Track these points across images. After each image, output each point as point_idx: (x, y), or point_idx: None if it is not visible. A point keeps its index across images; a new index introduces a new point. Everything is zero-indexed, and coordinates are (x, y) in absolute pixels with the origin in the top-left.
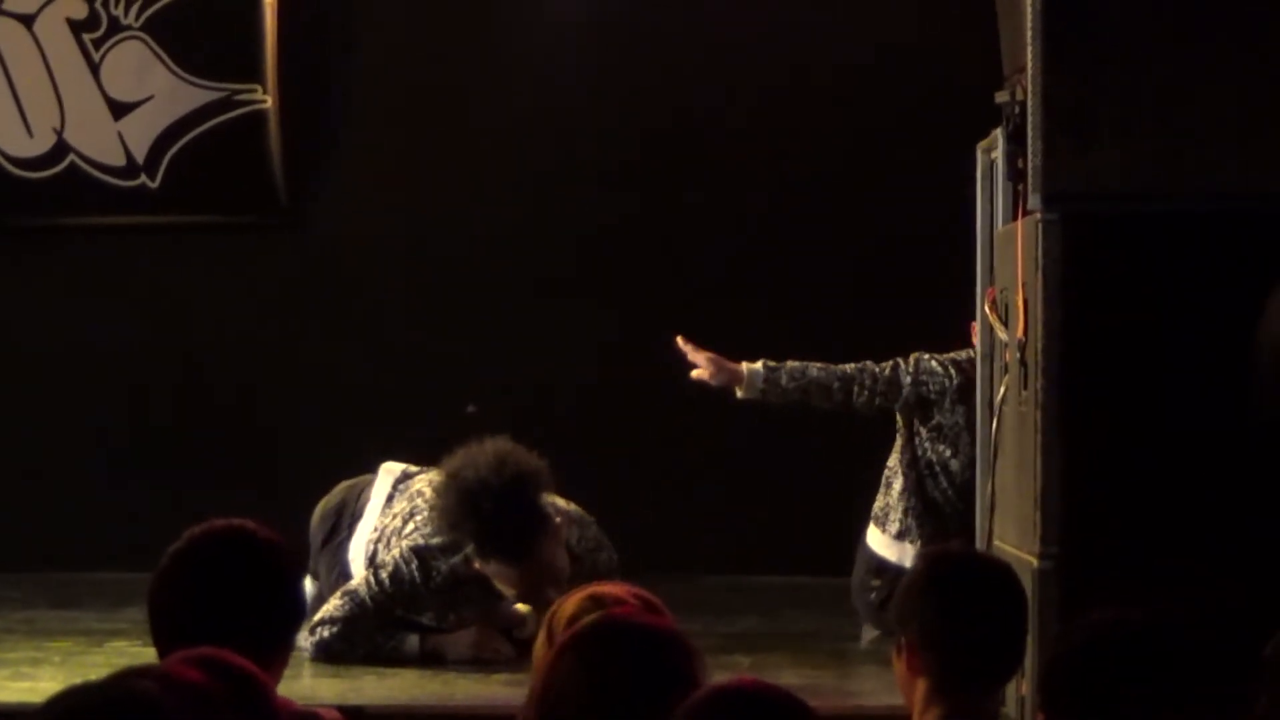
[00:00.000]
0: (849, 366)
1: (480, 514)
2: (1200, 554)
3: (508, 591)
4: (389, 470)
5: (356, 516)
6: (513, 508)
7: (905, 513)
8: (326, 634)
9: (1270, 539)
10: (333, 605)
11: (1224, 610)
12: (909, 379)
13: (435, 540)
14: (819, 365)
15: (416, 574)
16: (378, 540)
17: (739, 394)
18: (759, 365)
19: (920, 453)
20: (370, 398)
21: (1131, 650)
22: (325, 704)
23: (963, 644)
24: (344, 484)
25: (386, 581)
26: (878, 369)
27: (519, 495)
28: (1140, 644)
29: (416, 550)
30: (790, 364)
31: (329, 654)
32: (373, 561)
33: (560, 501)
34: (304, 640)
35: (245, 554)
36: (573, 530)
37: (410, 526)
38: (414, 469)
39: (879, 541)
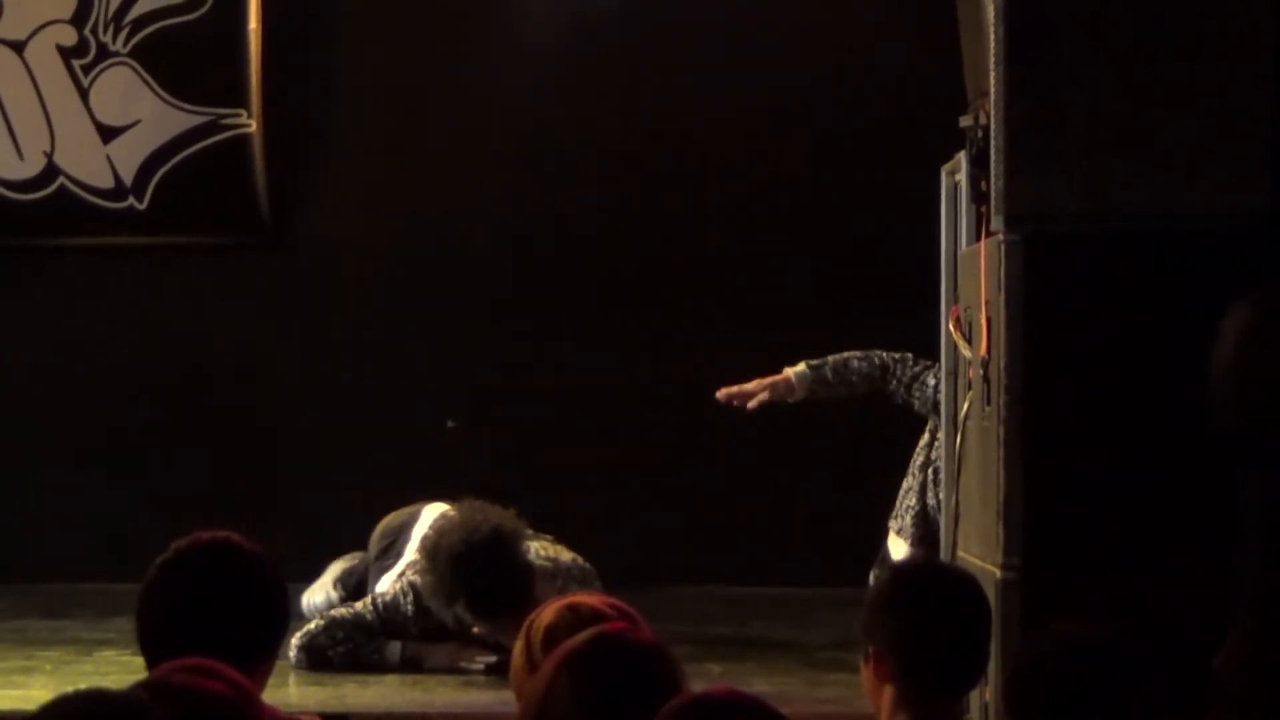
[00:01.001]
0: (887, 355)
1: (469, 580)
2: (1158, 565)
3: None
4: (431, 510)
5: (399, 554)
6: (498, 564)
7: (906, 511)
8: (313, 627)
9: (1224, 551)
10: (330, 613)
11: (1180, 621)
12: (934, 381)
13: None
14: (858, 355)
15: (410, 609)
16: (400, 575)
17: (792, 399)
18: (802, 367)
19: (934, 456)
20: (352, 412)
21: (1093, 662)
22: (309, 711)
23: (928, 652)
24: (409, 508)
25: (382, 608)
26: (912, 362)
27: (500, 550)
28: (1102, 656)
29: (416, 587)
30: (831, 359)
31: (311, 650)
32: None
33: (565, 555)
34: (293, 641)
35: (230, 565)
36: (570, 586)
37: (419, 569)
38: (452, 511)
39: (890, 535)
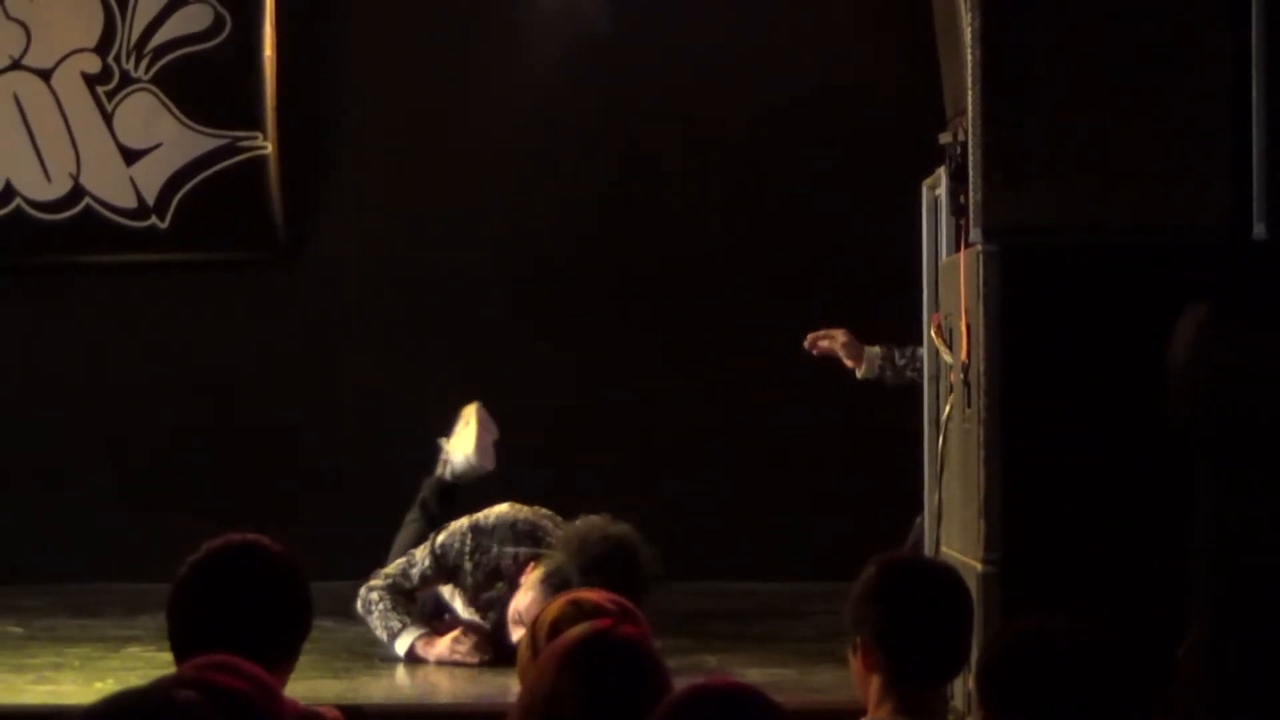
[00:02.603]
0: None
1: (608, 557)
2: (1132, 560)
3: (529, 607)
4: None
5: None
6: (633, 567)
7: None
8: (375, 580)
9: (1185, 550)
10: (392, 565)
11: (1153, 614)
12: None
13: (498, 526)
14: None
15: (467, 546)
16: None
17: (859, 374)
18: (877, 348)
19: None
20: (363, 420)
21: (1060, 653)
22: (325, 703)
23: (913, 643)
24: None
25: (438, 550)
26: None
27: (642, 564)
28: (1069, 648)
29: (475, 527)
30: (906, 347)
31: (363, 605)
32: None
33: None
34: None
35: (259, 565)
36: None
37: (485, 511)
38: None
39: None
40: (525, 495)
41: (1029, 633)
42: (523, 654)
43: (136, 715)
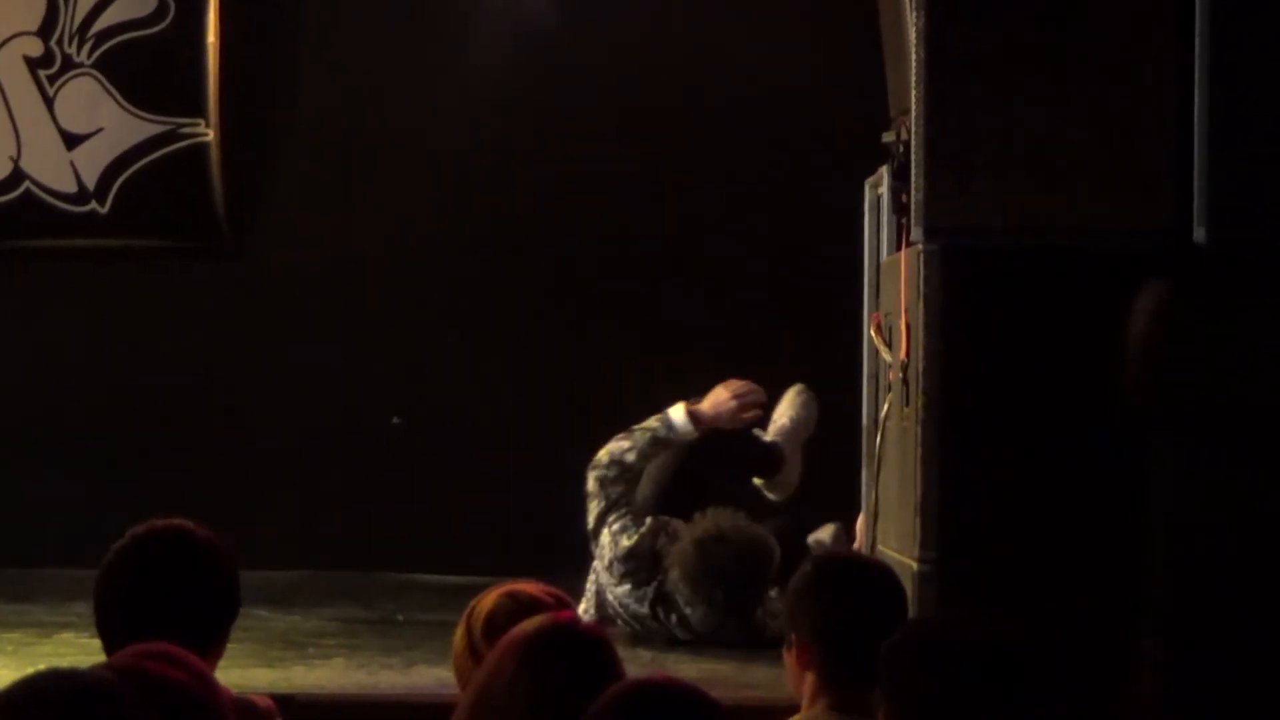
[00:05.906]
0: None
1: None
2: (1067, 562)
3: None
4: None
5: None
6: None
7: None
8: None
9: (1134, 552)
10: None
11: (1086, 616)
12: None
13: None
14: None
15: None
16: None
17: None
18: None
19: None
20: (302, 411)
21: (954, 649)
22: (258, 691)
23: (847, 640)
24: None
25: None
26: None
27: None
28: (965, 644)
29: None
30: None
31: None
32: None
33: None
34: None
35: (185, 550)
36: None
37: None
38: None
39: None
40: (484, 484)
41: (929, 622)
42: (458, 646)
43: (52, 693)
